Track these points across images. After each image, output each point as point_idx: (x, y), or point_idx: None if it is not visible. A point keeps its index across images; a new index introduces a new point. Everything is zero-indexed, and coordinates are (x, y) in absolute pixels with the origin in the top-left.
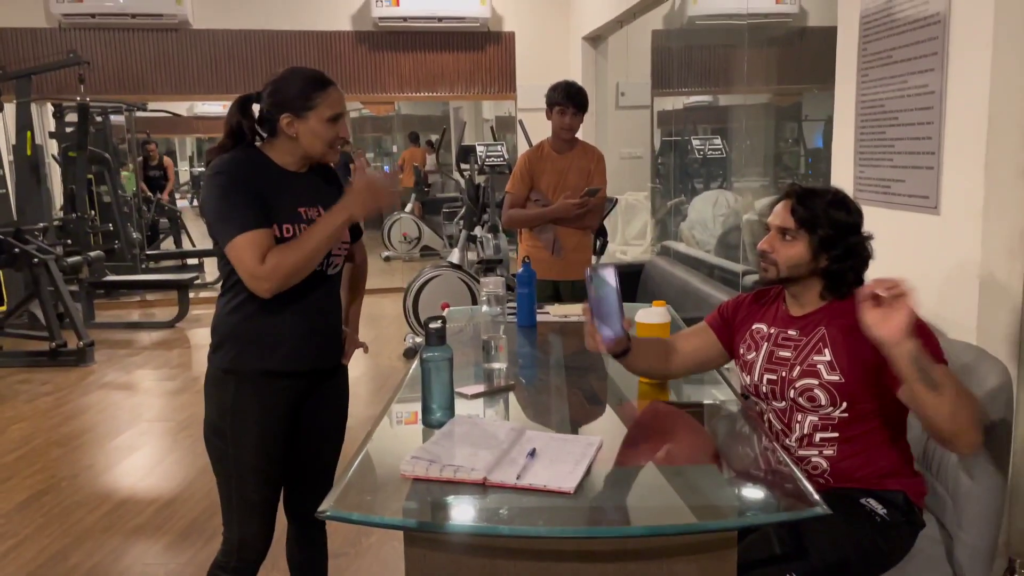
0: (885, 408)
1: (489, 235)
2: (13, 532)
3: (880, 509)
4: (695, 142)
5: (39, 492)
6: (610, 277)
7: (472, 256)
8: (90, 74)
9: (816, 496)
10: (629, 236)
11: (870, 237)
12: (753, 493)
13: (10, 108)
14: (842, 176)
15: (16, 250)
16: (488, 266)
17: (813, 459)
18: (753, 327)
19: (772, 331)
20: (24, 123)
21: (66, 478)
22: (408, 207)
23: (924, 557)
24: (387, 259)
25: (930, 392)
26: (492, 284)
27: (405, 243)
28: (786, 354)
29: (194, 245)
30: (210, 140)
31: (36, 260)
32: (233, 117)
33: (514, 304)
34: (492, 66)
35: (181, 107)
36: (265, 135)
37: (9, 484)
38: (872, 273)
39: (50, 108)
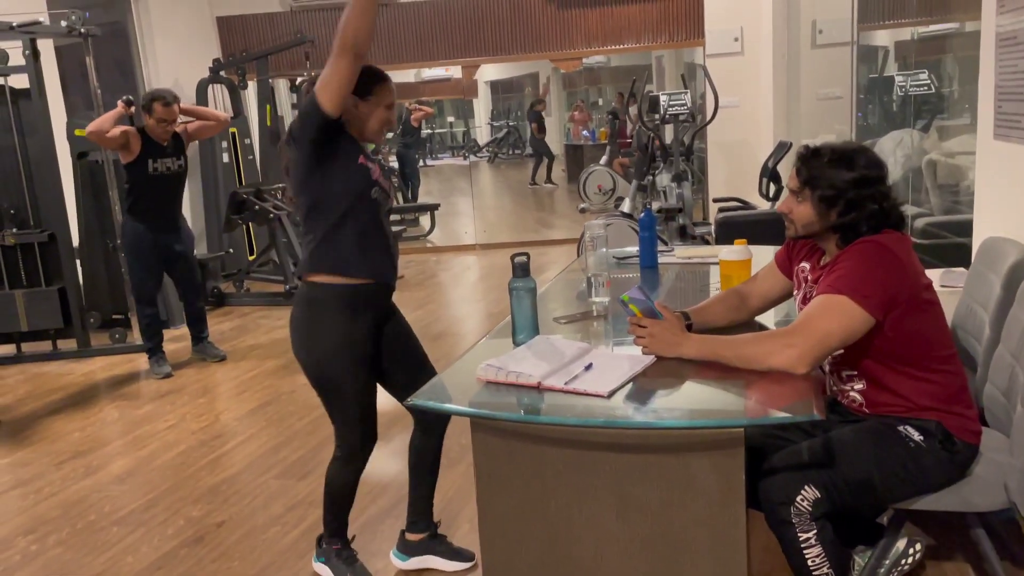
0: (884, 346)
1: (673, 184)
2: (242, 431)
3: (916, 435)
4: (898, 78)
5: (264, 403)
6: (637, 293)
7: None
8: (315, 51)
9: (816, 404)
10: None
11: (886, 190)
12: (761, 400)
13: (253, 85)
14: (986, 112)
15: (256, 207)
16: (667, 215)
17: (850, 392)
18: (801, 265)
19: (810, 275)
20: (264, 97)
21: (285, 393)
22: (603, 160)
23: (982, 482)
24: (582, 211)
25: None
26: (593, 227)
27: (600, 195)
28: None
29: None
30: (437, 102)
31: (272, 215)
32: None
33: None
34: (679, 13)
35: (408, 74)
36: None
37: (244, 396)
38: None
39: (283, 84)
